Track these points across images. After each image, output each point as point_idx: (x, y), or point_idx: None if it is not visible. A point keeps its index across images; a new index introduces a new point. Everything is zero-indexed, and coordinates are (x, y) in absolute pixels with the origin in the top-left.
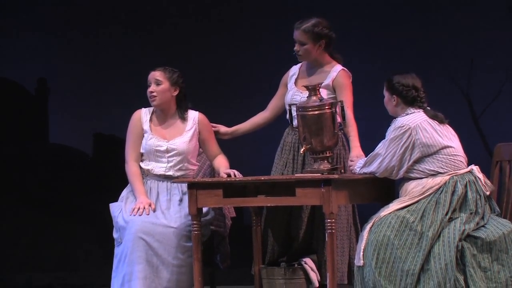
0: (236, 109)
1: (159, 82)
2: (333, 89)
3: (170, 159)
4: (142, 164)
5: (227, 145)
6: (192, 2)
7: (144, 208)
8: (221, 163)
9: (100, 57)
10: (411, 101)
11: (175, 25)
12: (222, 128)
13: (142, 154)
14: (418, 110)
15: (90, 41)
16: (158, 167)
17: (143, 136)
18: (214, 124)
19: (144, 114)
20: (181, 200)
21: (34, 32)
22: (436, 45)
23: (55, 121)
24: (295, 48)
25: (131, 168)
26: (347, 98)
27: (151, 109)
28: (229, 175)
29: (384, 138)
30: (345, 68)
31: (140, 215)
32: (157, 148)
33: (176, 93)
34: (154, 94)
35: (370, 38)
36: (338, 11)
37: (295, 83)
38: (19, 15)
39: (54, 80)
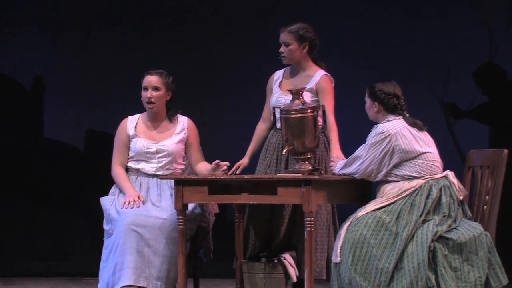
0: (226, 108)
1: (157, 88)
2: (316, 93)
3: (160, 160)
4: (131, 164)
5: (215, 147)
6: (189, 2)
7: (134, 201)
8: (207, 165)
9: (95, 55)
10: (392, 109)
11: (169, 24)
12: (244, 161)
13: (132, 156)
14: (398, 117)
15: (86, 39)
16: (148, 167)
17: (130, 141)
18: (235, 166)
19: (129, 122)
20: (172, 195)
21: (30, 28)
22: (413, 52)
23: (50, 117)
24: (280, 50)
25: (116, 170)
26: (328, 102)
27: (137, 116)
28: (218, 165)
29: (365, 142)
30: (327, 74)
31: (131, 208)
32: (147, 150)
33: (169, 97)
34: (153, 100)
35: (350, 44)
36: (321, 19)
37: (280, 86)
38: (15, 11)
39: (50, 77)
